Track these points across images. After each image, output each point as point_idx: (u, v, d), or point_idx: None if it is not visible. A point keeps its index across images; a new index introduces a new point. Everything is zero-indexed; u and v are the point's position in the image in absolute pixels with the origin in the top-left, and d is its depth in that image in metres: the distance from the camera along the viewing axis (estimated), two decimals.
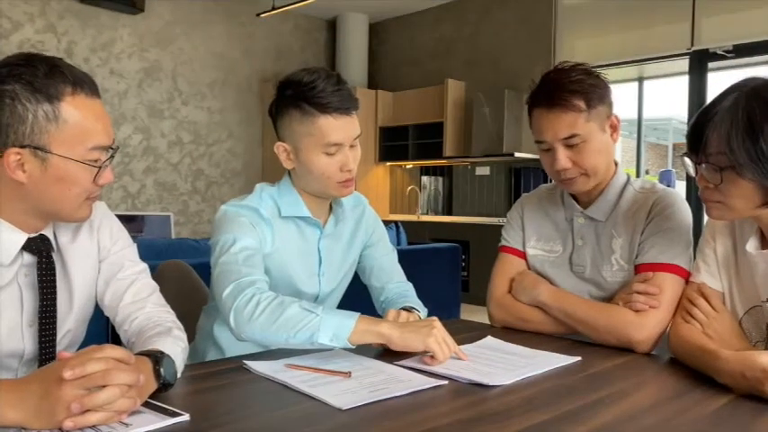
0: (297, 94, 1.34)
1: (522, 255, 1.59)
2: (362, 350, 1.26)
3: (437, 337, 1.18)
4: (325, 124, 1.34)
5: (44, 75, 0.97)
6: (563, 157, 1.39)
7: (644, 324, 1.32)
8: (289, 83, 1.37)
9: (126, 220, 4.58)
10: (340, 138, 1.35)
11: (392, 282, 1.58)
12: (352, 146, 1.39)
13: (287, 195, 1.44)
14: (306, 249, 1.46)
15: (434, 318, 1.24)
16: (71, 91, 0.99)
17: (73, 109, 0.99)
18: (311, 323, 1.17)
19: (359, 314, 1.20)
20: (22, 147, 0.97)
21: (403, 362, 1.19)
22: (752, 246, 1.20)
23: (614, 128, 1.44)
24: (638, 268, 1.40)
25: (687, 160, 1.16)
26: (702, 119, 1.11)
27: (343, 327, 1.16)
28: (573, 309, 1.42)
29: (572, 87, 1.37)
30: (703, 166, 1.12)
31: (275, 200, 1.43)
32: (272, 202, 1.42)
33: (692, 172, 1.16)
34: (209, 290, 1.47)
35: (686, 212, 1.43)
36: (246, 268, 1.28)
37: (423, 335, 1.18)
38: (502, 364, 1.19)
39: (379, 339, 1.19)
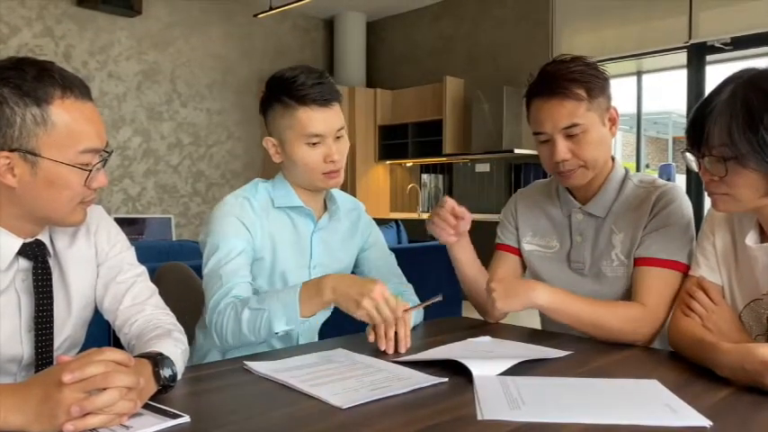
0: (279, 89, 1.41)
1: (517, 251, 1.59)
2: (362, 349, 1.26)
3: (373, 300, 1.20)
4: (305, 116, 1.39)
5: (33, 78, 0.97)
6: (563, 148, 1.37)
7: (645, 319, 1.32)
8: (273, 79, 1.44)
9: (127, 223, 4.59)
10: (320, 129, 1.40)
11: (390, 283, 1.57)
12: (338, 137, 1.44)
13: (280, 188, 1.49)
14: (297, 241, 1.50)
15: (377, 279, 1.26)
16: (60, 94, 0.99)
17: (62, 112, 0.99)
18: (264, 319, 1.27)
19: (299, 287, 1.28)
20: (11, 150, 0.97)
21: (404, 359, 1.19)
22: (751, 239, 1.20)
23: (613, 121, 1.42)
24: (638, 261, 1.39)
25: (689, 155, 1.16)
26: (701, 112, 1.11)
27: (291, 307, 1.26)
28: (578, 312, 1.34)
29: (572, 76, 1.35)
30: (706, 159, 1.12)
31: (269, 192, 1.49)
32: (265, 193, 1.48)
33: (694, 167, 1.16)
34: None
35: (688, 208, 1.42)
36: (226, 276, 1.35)
37: (355, 296, 1.22)
38: (498, 356, 1.18)
39: (323, 307, 1.28)
